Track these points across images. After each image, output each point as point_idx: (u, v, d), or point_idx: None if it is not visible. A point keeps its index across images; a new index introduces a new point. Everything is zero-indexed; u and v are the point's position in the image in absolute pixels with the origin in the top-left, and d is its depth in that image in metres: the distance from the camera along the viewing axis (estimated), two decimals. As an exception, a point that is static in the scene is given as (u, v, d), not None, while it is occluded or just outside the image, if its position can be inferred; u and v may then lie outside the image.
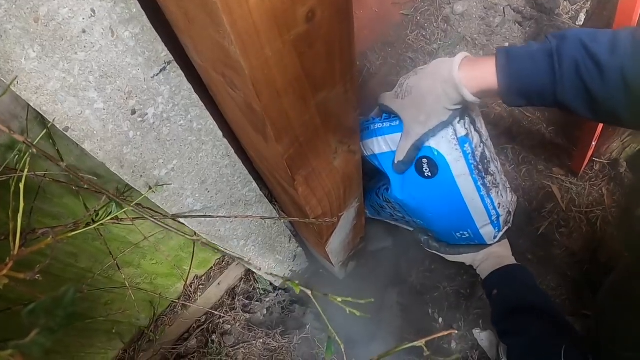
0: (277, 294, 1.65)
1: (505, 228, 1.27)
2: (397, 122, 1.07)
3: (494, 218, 1.20)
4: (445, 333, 0.42)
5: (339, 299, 0.55)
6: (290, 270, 1.56)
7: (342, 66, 0.70)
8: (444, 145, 1.03)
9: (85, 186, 0.73)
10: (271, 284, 1.60)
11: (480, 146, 1.08)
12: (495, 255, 1.28)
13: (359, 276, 1.68)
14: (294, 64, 0.60)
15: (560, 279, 1.46)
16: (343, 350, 0.56)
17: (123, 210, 0.81)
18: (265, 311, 1.64)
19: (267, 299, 1.64)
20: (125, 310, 1.36)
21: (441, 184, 1.09)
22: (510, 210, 1.27)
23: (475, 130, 1.07)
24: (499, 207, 1.19)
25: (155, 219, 0.82)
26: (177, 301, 1.53)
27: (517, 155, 1.58)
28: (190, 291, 1.55)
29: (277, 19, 0.51)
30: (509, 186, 1.28)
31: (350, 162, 0.98)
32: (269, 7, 0.49)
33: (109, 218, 0.82)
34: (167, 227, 0.83)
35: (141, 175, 0.80)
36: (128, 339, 1.52)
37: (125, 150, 0.74)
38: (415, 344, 0.42)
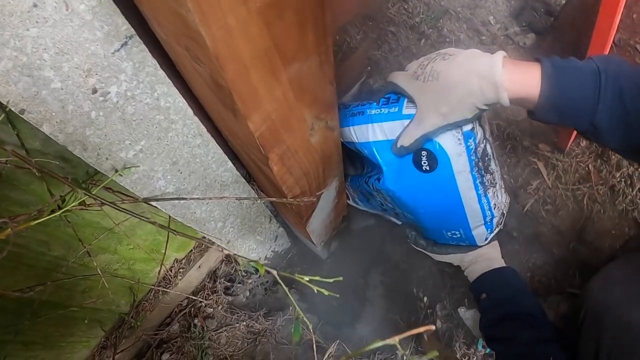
0: (260, 276, 1.62)
1: (497, 230, 1.24)
2: (397, 109, 1.01)
3: (488, 219, 1.16)
4: (422, 330, 0.39)
5: (306, 278, 0.52)
6: (272, 251, 1.53)
7: (315, 36, 0.66)
8: (448, 138, 0.97)
9: (41, 171, 0.69)
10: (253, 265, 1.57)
11: (483, 142, 1.03)
12: (485, 257, 1.24)
13: (342, 255, 1.65)
14: (262, 35, 0.56)
15: (546, 257, 1.45)
16: (311, 329, 0.54)
17: (88, 196, 0.77)
18: (247, 293, 1.62)
19: (250, 281, 1.62)
20: (103, 298, 1.33)
21: (439, 180, 1.04)
22: (504, 211, 1.24)
23: (480, 125, 1.01)
24: (494, 208, 1.15)
25: (122, 206, 0.79)
26: (156, 287, 1.49)
27: (502, 131, 1.55)
28: (170, 275, 1.52)
29: (239, -16, 0.47)
30: (503, 186, 1.25)
31: (328, 139, 0.95)
32: (229, -29, 0.45)
33: (75, 204, 0.78)
34: (133, 214, 0.79)
35: (107, 158, 0.76)
36: (109, 327, 1.49)
37: (87, 132, 0.70)
38: (388, 341, 0.39)
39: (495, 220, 1.19)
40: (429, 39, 1.58)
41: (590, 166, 1.46)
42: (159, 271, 1.21)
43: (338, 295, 0.54)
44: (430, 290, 1.51)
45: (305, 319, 0.53)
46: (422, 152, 1.00)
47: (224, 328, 1.53)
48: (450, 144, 0.97)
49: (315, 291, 0.55)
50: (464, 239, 1.23)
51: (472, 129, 0.96)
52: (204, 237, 1.16)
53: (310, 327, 0.54)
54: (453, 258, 1.31)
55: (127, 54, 0.67)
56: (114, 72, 0.67)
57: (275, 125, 0.73)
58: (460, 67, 0.86)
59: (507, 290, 1.14)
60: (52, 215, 0.76)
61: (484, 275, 1.19)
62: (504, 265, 1.22)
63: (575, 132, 1.41)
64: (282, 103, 0.71)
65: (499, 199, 1.18)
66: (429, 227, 1.26)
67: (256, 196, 1.15)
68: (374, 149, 1.08)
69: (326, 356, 1.38)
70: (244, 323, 1.53)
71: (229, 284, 1.62)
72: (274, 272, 0.54)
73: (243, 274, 1.62)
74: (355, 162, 1.43)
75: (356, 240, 1.65)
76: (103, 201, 0.74)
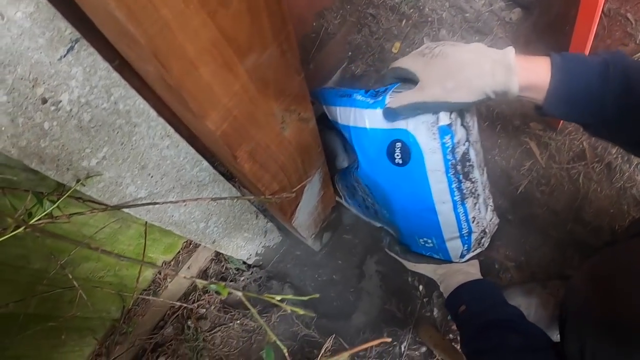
0: (252, 272, 1.59)
1: (477, 250, 1.19)
2: (381, 99, 0.96)
3: (464, 232, 1.11)
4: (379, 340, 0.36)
5: (277, 298, 0.48)
6: (262, 247, 1.51)
7: (272, 24, 0.62)
8: (422, 131, 0.92)
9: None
10: (244, 262, 1.54)
11: (464, 144, 0.97)
12: (462, 271, 1.18)
13: (335, 246, 1.62)
14: (207, 27, 0.53)
15: (542, 238, 1.40)
16: (286, 354, 0.50)
17: (52, 208, 0.74)
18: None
19: (242, 278, 1.59)
20: (92, 306, 1.30)
21: (411, 175, 0.99)
22: (487, 230, 1.18)
23: (462, 124, 0.95)
24: (472, 222, 1.10)
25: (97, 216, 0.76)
26: (144, 292, 1.47)
27: (491, 111, 1.51)
28: (159, 278, 1.49)
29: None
30: (491, 205, 1.19)
31: (303, 131, 0.91)
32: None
33: (41, 216, 0.75)
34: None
35: (68, 169, 0.73)
36: (101, 334, 1.46)
37: (42, 144, 0.67)
38: (372, 344, 0.37)
39: (474, 237, 1.13)
40: (410, 19, 1.53)
41: (584, 143, 1.42)
42: (138, 277, 1.18)
43: (314, 315, 0.51)
44: (426, 279, 1.47)
45: (279, 343, 0.50)
46: (397, 143, 0.96)
47: (218, 328, 1.50)
48: (424, 138, 0.93)
49: (290, 311, 0.52)
50: (437, 250, 1.18)
51: (450, 125, 0.91)
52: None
53: (286, 351, 0.51)
54: (425, 268, 1.25)
55: (75, 59, 0.63)
56: (63, 80, 0.63)
57: (238, 121, 0.70)
58: (472, 50, 0.85)
59: (488, 300, 1.07)
60: (17, 231, 0.72)
61: (462, 287, 1.12)
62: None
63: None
64: (244, 98, 0.67)
65: (481, 214, 1.12)
66: (403, 229, 1.21)
67: (233, 195, 1.11)
68: (352, 135, 1.05)
69: (322, 351, 1.36)
70: (238, 322, 1.51)
71: (220, 282, 1.59)
72: (240, 294, 0.50)
73: (234, 271, 1.59)
74: (348, 152, 1.39)
75: (349, 231, 1.62)
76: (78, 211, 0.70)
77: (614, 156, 1.35)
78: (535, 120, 1.46)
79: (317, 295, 0.52)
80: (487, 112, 1.51)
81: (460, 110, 0.93)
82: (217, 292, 1.40)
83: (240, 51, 0.60)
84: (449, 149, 0.94)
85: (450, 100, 0.85)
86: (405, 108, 0.91)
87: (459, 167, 0.98)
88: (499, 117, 1.49)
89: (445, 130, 0.91)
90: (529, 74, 0.80)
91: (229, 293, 0.51)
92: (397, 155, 0.97)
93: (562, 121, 1.40)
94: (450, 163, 0.96)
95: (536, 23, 1.48)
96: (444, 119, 0.90)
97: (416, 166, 0.97)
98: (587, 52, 1.19)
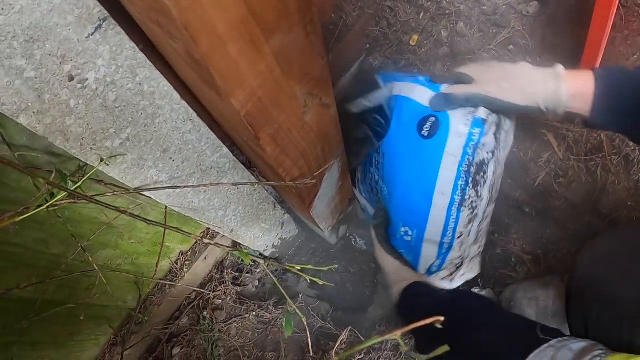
0: (268, 264, 1.59)
1: (447, 274, 1.17)
2: (438, 86, 1.00)
3: (445, 242, 1.08)
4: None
5: (297, 267, 0.48)
6: (279, 239, 1.50)
7: (298, 4, 0.62)
8: (458, 113, 0.96)
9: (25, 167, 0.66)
10: (261, 254, 1.54)
11: (488, 153, 0.98)
12: (417, 278, 1.12)
13: (351, 240, 1.62)
14: (237, 3, 0.53)
15: (560, 232, 1.39)
16: (305, 322, 0.50)
17: (77, 186, 0.75)
18: (256, 282, 1.59)
19: (258, 270, 1.59)
20: (108, 294, 1.31)
21: (428, 151, 0.99)
22: (464, 262, 1.17)
23: (495, 134, 0.98)
24: (458, 237, 1.07)
25: (116, 202, 0.76)
26: (161, 280, 1.47)
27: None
28: (176, 268, 1.50)
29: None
30: (481, 245, 1.20)
31: (324, 117, 0.91)
32: None
33: (62, 196, 0.75)
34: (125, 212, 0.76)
35: (91, 148, 0.73)
36: (117, 323, 1.47)
37: (68, 122, 0.67)
38: (390, 336, 0.37)
39: (450, 255, 1.12)
40: (428, 11, 1.53)
41: (602, 135, 1.41)
42: (157, 264, 1.18)
43: (333, 285, 0.51)
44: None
45: (298, 312, 0.50)
46: (431, 117, 0.98)
47: (233, 319, 1.51)
48: (456, 120, 0.95)
49: (309, 280, 0.52)
50: (411, 248, 1.15)
51: (484, 121, 0.94)
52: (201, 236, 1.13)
53: (304, 320, 0.51)
54: (391, 263, 1.19)
55: (102, 38, 0.63)
56: (90, 58, 0.64)
57: (262, 102, 0.70)
58: (526, 66, 0.92)
59: (445, 292, 1.04)
60: (39, 209, 0.73)
61: (412, 285, 1.06)
62: None
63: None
64: (268, 78, 0.67)
65: (469, 238, 1.10)
66: (393, 213, 1.17)
67: (254, 181, 1.11)
68: (397, 102, 1.06)
69: (338, 343, 1.35)
70: (254, 313, 1.51)
71: (237, 274, 1.59)
72: (261, 262, 0.50)
73: (251, 263, 1.59)
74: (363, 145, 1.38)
75: (365, 224, 1.61)
76: (83, 196, 0.70)
77: (631, 148, 1.33)
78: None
79: (336, 266, 0.52)
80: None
81: (502, 117, 0.97)
82: (240, 260, 1.41)
83: (267, 30, 0.60)
84: (473, 142, 0.95)
85: (502, 99, 0.91)
86: (457, 97, 0.95)
87: (472, 169, 0.98)
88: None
89: (478, 122, 0.94)
90: (576, 82, 0.85)
91: (252, 261, 0.51)
92: (426, 127, 0.98)
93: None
94: (467, 157, 0.96)
95: (553, 15, 1.47)
96: (482, 113, 0.94)
97: (437, 143, 0.97)
98: (604, 43, 1.19)
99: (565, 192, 1.40)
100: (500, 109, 0.94)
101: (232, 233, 1.24)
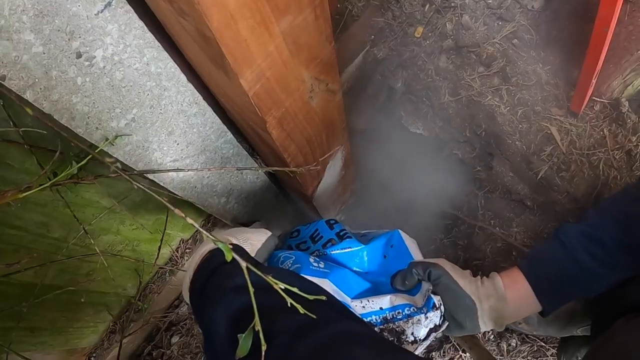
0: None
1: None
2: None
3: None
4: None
5: (281, 286, 0.47)
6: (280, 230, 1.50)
7: (307, -13, 0.62)
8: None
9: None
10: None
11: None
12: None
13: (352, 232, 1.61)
14: (249, -20, 0.52)
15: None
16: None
17: (82, 164, 0.74)
18: (257, 271, 1.58)
19: (258, 260, 1.58)
20: (108, 281, 1.31)
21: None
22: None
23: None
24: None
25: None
26: (161, 266, 1.47)
27: (512, 97, 1.50)
28: (176, 256, 1.49)
29: None
30: None
31: (329, 103, 0.91)
32: None
33: (65, 175, 0.75)
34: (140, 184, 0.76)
35: (97, 128, 0.73)
36: (116, 311, 1.46)
37: (74, 100, 0.67)
38: None
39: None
40: (433, 4, 1.53)
41: (605, 130, 1.41)
42: (158, 250, 1.18)
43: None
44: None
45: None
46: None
47: (233, 308, 1.50)
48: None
49: (289, 304, 0.48)
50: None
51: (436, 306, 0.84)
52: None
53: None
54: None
55: (111, 16, 0.63)
56: (98, 35, 0.63)
57: (270, 84, 0.69)
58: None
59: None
60: (41, 187, 0.72)
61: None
62: None
63: (588, 96, 1.36)
64: (277, 60, 0.67)
65: None
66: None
67: (258, 166, 1.11)
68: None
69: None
70: (254, 302, 1.50)
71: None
72: (243, 264, 0.49)
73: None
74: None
75: (364, 217, 1.61)
76: (83, 180, 0.70)
77: (634, 144, 1.33)
78: (556, 106, 1.45)
79: (324, 298, 0.51)
80: (508, 97, 1.50)
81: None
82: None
83: (277, 10, 0.60)
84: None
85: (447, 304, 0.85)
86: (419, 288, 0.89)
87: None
88: (520, 102, 1.48)
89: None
90: (509, 281, 0.84)
91: (233, 258, 0.49)
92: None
93: (583, 107, 1.39)
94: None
95: (558, 10, 1.47)
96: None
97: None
98: (609, 37, 1.18)
99: (568, 186, 1.40)
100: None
101: (234, 222, 1.24)
